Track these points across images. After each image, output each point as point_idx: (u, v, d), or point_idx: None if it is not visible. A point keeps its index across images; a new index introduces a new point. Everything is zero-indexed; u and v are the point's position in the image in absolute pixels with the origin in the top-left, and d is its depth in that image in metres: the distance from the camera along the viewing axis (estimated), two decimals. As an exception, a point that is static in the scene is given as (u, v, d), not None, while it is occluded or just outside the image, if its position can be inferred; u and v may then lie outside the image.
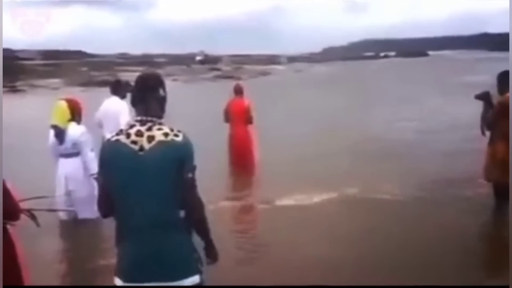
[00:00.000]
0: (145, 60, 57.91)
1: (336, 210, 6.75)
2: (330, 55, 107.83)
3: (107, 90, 7.81)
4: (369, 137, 11.64)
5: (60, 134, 6.09)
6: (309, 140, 11.33)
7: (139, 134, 2.53)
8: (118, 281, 2.55)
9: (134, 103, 2.67)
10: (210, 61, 60.55)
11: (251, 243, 5.83)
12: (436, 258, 4.91)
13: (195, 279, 2.55)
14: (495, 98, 6.31)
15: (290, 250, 5.30)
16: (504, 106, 6.03)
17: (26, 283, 3.29)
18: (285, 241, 5.56)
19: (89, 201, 5.44)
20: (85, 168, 6.10)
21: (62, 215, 6.07)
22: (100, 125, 7.36)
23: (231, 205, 7.25)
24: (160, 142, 2.51)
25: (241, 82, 11.94)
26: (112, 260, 3.04)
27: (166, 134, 2.53)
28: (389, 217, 6.30)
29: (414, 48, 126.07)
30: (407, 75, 36.46)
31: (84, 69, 46.82)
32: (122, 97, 7.36)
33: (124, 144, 2.52)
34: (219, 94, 11.69)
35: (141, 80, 2.71)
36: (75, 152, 6.13)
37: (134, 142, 2.52)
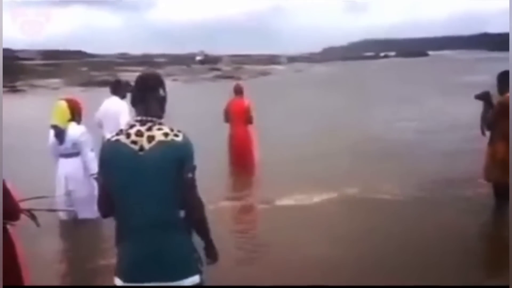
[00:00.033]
0: (145, 60, 57.91)
1: (336, 210, 6.75)
2: (330, 55, 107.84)
3: (107, 90, 7.80)
4: (369, 137, 11.64)
5: (60, 134, 6.09)
6: (309, 140, 11.33)
7: (139, 134, 2.53)
8: (118, 281, 2.55)
9: (134, 103, 2.67)
10: (210, 61, 60.55)
11: (251, 243, 5.83)
12: (436, 258, 4.91)
13: (195, 279, 2.55)
14: (495, 98, 6.30)
15: (290, 250, 5.30)
16: (504, 106, 6.03)
17: (26, 283, 3.29)
18: (285, 241, 5.56)
19: (89, 201, 5.44)
20: (85, 168, 6.10)
21: (62, 215, 6.07)
22: (100, 125, 7.36)
23: (231, 205, 7.25)
24: (160, 142, 2.51)
25: (241, 82, 11.95)
26: (112, 260, 3.04)
27: (166, 134, 2.53)
28: (389, 217, 6.30)
29: (414, 48, 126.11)
30: (407, 75, 36.46)
31: (84, 69, 46.82)
32: (122, 97, 7.36)
33: (124, 144, 2.52)
34: (219, 94, 11.69)
35: (141, 80, 2.71)
36: (75, 152, 6.13)
37: (134, 142, 2.51)
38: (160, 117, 2.63)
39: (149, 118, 2.58)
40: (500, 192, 6.25)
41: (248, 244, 5.78)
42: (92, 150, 6.01)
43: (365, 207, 6.79)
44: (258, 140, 9.28)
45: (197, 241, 2.65)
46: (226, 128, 9.37)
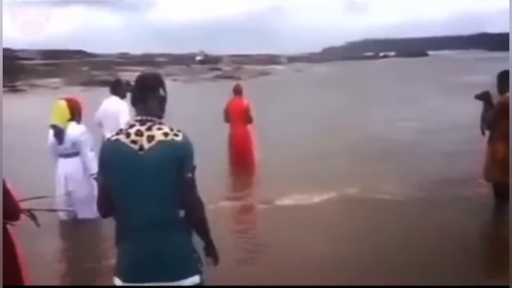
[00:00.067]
0: (145, 60, 57.87)
1: (336, 210, 6.75)
2: (330, 55, 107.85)
3: (107, 89, 7.79)
4: (369, 137, 11.64)
5: (59, 134, 6.08)
6: (309, 140, 11.32)
7: (139, 133, 2.53)
8: (117, 281, 2.55)
9: (134, 103, 2.67)
10: (210, 61, 60.53)
11: (251, 243, 5.83)
12: (436, 258, 4.90)
13: (195, 279, 2.55)
14: (495, 98, 6.31)
15: (290, 250, 5.30)
16: (504, 106, 6.03)
17: (26, 283, 3.28)
18: (285, 241, 5.55)
19: (89, 201, 5.44)
20: (85, 168, 6.09)
21: (62, 215, 6.07)
22: (100, 125, 7.35)
23: (231, 205, 7.25)
24: (160, 141, 2.51)
25: (240, 82, 11.96)
26: (112, 260, 3.04)
27: (166, 134, 2.52)
28: (389, 217, 6.30)
29: (414, 48, 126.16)
30: (407, 75, 36.47)
31: (84, 68, 46.81)
32: (122, 96, 7.35)
33: (124, 144, 2.52)
34: (219, 94, 11.68)
35: (141, 80, 2.71)
36: (74, 152, 6.13)
37: (134, 142, 2.51)
38: (160, 117, 2.63)
39: (149, 118, 2.58)
40: (500, 192, 6.25)
41: (248, 244, 5.78)
42: (91, 150, 6.00)
43: (365, 207, 6.79)
44: (258, 140, 9.28)
45: (197, 241, 2.65)
46: (226, 128, 9.37)
